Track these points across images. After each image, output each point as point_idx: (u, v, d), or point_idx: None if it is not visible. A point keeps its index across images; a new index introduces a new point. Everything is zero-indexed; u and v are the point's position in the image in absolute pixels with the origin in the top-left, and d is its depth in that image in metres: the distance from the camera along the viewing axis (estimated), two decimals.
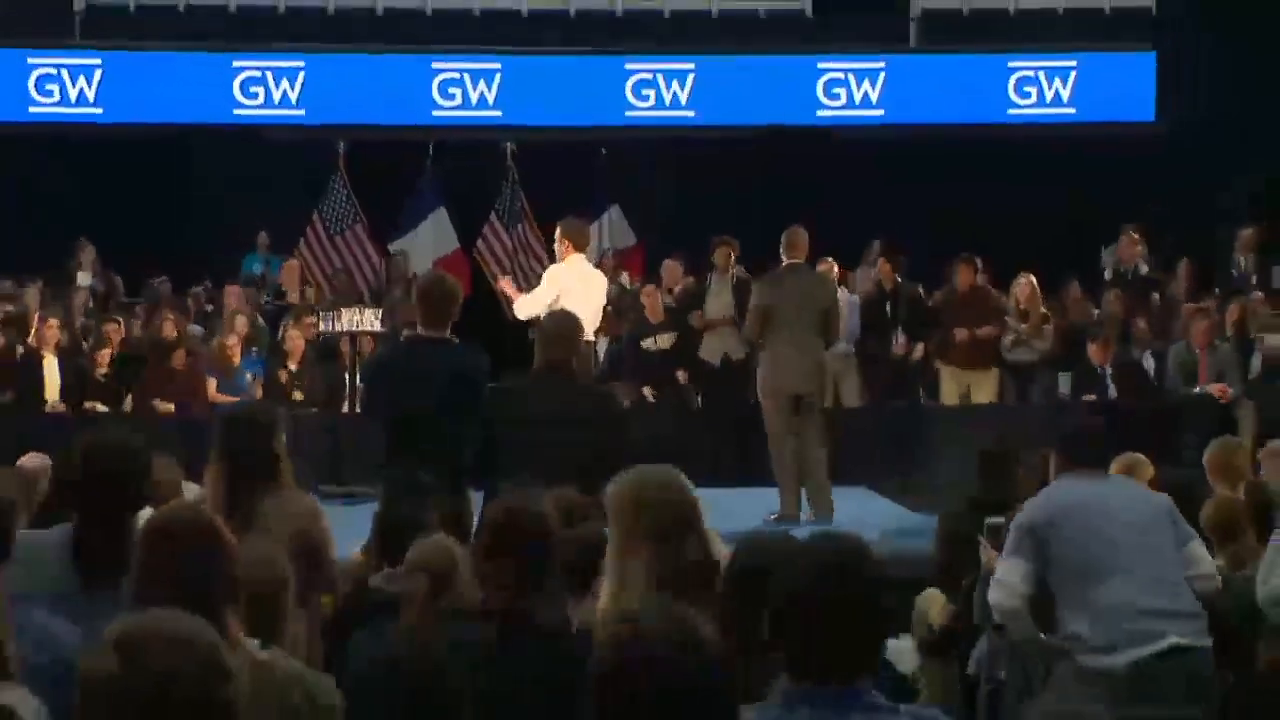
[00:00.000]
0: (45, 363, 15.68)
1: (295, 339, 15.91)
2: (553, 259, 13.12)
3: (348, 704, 4.13)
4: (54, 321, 15.93)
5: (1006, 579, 6.63)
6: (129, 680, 3.00)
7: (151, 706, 2.98)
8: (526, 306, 12.05)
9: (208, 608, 3.97)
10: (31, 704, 3.98)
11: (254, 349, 16.59)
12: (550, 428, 7.87)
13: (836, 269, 15.85)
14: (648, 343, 15.47)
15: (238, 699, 3.08)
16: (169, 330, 16.05)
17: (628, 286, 17.88)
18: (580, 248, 12.36)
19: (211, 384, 15.41)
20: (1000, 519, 7.36)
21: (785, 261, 13.27)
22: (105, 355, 15.89)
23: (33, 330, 15.92)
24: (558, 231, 12.59)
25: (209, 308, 18.15)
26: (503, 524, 4.75)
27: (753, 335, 13.17)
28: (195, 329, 17.23)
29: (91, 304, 17.84)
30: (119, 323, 16.49)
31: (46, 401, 15.56)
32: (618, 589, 4.86)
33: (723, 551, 5.01)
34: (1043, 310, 14.69)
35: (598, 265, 16.33)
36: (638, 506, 4.95)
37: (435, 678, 3.80)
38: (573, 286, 11.37)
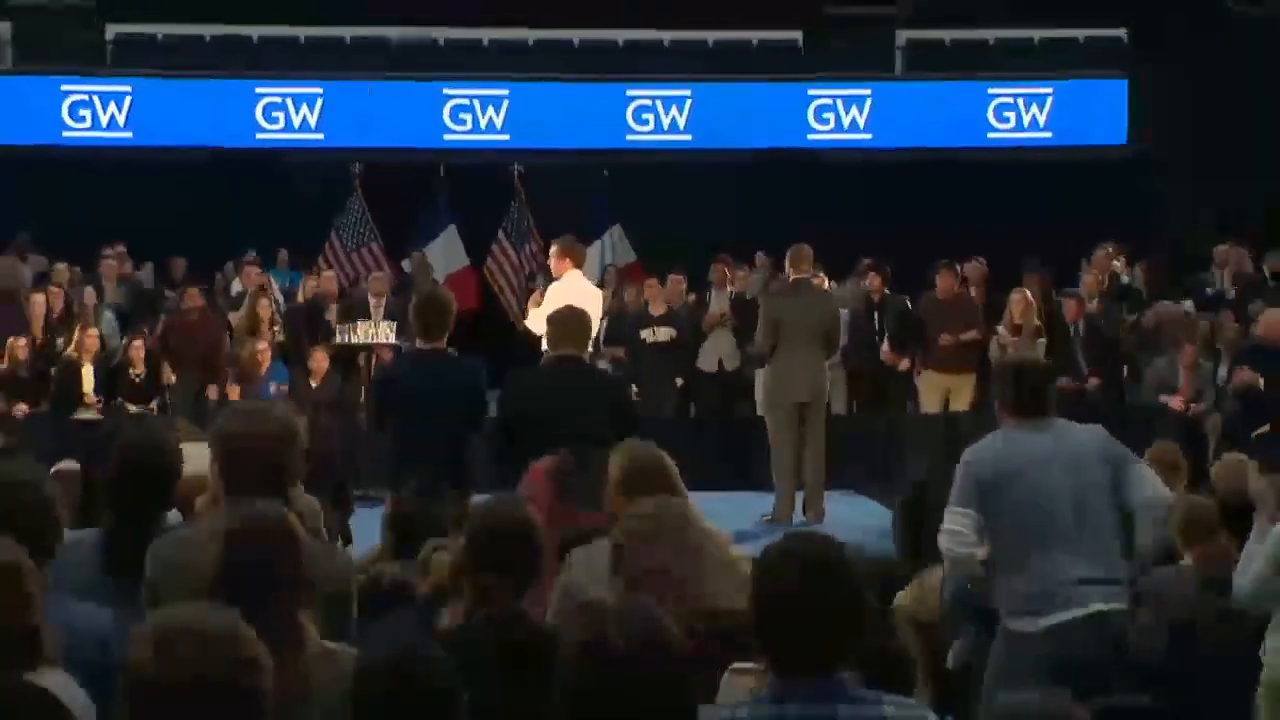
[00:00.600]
0: (83, 370, 15.50)
1: (320, 360, 15.58)
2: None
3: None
4: (93, 332, 15.79)
5: (956, 527, 6.52)
6: (166, 671, 3.00)
7: (187, 696, 2.99)
8: (534, 322, 12.02)
9: (283, 604, 3.99)
10: (71, 688, 3.98)
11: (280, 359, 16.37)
12: (566, 416, 7.84)
13: (828, 282, 15.84)
14: (646, 333, 15.41)
15: (268, 688, 3.07)
16: (193, 298, 16.05)
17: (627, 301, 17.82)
18: (577, 264, 12.35)
19: (235, 391, 15.10)
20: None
21: (792, 277, 13.39)
22: (139, 351, 15.72)
23: (72, 341, 15.68)
24: (554, 249, 12.58)
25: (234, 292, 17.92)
26: (489, 530, 4.71)
27: (765, 346, 13.20)
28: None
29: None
30: (143, 335, 16.31)
31: (82, 405, 15.40)
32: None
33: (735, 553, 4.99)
34: (1036, 324, 14.63)
35: (599, 282, 16.40)
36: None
37: (431, 679, 3.76)
38: (566, 296, 11.31)
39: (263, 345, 15.75)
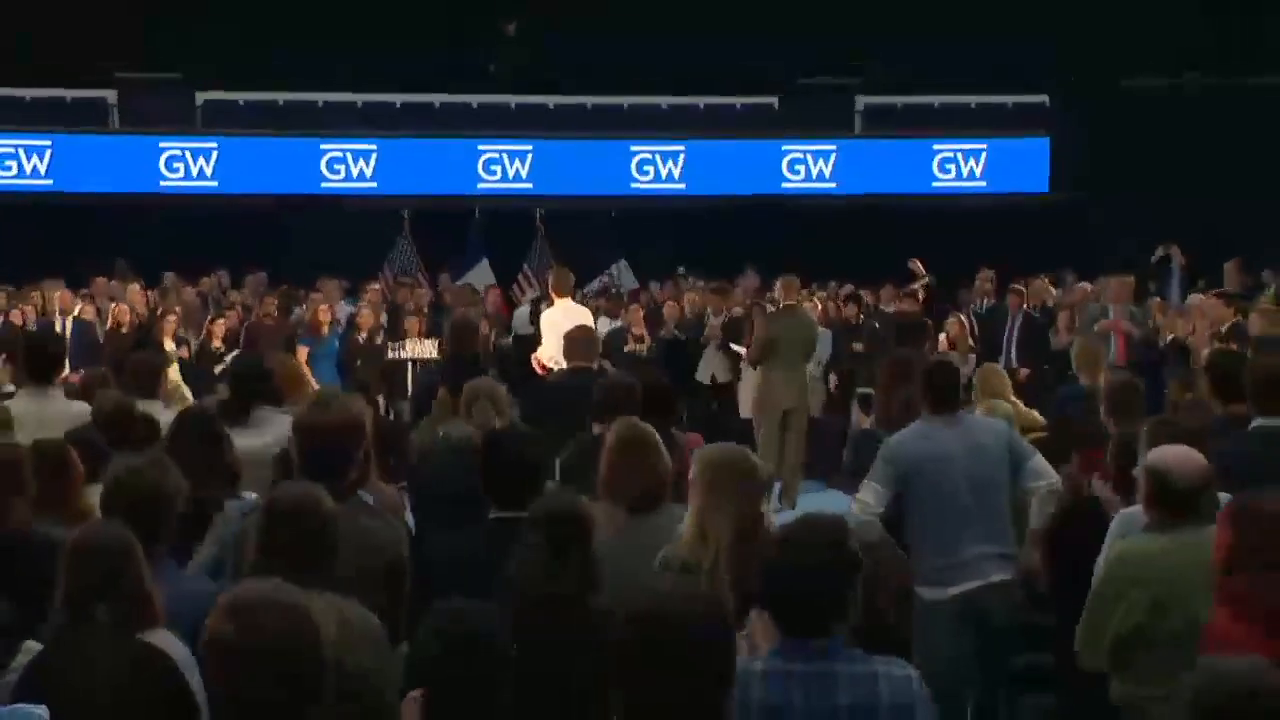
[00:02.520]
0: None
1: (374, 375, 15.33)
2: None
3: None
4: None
5: (865, 499, 6.54)
6: (240, 638, 2.95)
7: (258, 659, 2.93)
8: (546, 352, 11.92)
9: (324, 575, 3.92)
10: (178, 646, 3.94)
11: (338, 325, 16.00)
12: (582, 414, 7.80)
13: (820, 308, 15.84)
14: (629, 347, 15.33)
15: (328, 650, 3.02)
16: (269, 304, 15.90)
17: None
18: (564, 293, 12.26)
19: (303, 351, 14.69)
20: (869, 390, 7.41)
21: (782, 304, 13.44)
22: (220, 328, 15.32)
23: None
24: (552, 278, 12.66)
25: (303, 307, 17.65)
26: (545, 520, 4.60)
27: (758, 359, 13.18)
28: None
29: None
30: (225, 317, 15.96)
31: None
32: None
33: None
34: (970, 343, 14.59)
35: (608, 304, 16.38)
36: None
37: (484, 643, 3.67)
38: (560, 321, 11.27)
39: (325, 307, 15.56)
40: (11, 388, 8.35)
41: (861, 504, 6.53)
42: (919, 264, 15.99)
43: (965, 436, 6.63)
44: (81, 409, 7.03)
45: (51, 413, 6.80)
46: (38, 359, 7.33)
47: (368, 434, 4.99)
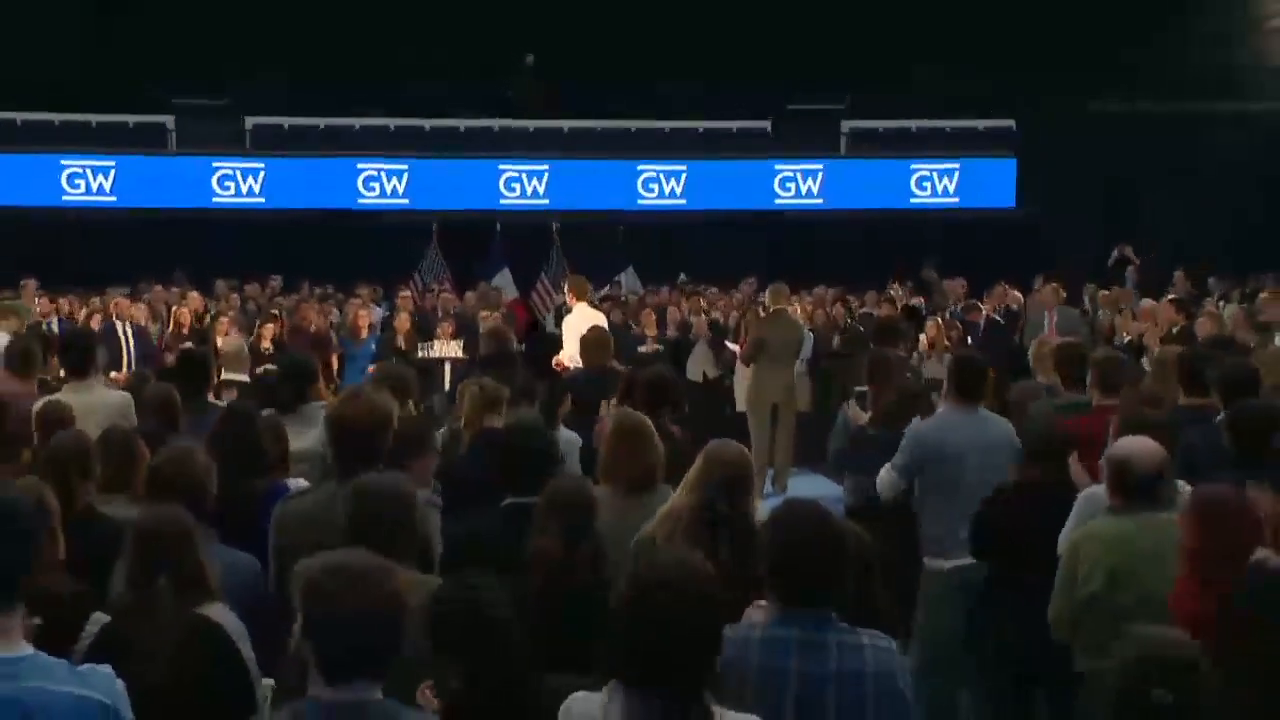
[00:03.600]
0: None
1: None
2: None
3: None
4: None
5: (889, 477, 6.70)
6: (334, 599, 2.93)
7: (358, 620, 2.91)
8: (566, 352, 11.90)
9: (397, 549, 3.89)
10: (228, 616, 3.93)
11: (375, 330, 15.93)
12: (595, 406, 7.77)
13: (809, 309, 15.82)
14: (642, 347, 15.30)
15: (406, 611, 3.03)
16: (309, 307, 15.81)
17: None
18: (582, 298, 12.41)
19: (335, 357, 14.56)
20: (865, 388, 7.47)
21: (772, 308, 13.40)
22: (269, 331, 14.99)
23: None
24: (565, 286, 12.67)
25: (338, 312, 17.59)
26: (566, 499, 4.58)
27: (750, 359, 13.18)
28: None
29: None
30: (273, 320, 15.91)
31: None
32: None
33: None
34: (945, 343, 14.53)
35: (616, 308, 16.34)
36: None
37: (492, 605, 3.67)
38: (578, 325, 11.27)
39: (363, 312, 15.53)
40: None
41: (885, 482, 6.73)
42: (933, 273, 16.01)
43: (981, 428, 6.63)
44: (120, 398, 7.15)
45: (93, 402, 6.89)
46: (72, 354, 7.39)
47: (393, 425, 5.00)
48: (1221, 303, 15.06)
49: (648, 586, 3.07)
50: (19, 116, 20.89)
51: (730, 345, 14.87)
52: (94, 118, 21.12)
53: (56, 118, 21.03)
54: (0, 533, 2.84)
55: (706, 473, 4.72)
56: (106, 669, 2.95)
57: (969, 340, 14.58)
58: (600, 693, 3.08)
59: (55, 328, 13.62)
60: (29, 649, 2.87)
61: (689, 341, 15.54)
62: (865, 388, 8.00)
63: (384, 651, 2.93)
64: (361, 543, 3.50)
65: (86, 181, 21.08)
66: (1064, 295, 14.90)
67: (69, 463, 4.95)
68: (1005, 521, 5.85)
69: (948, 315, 15.85)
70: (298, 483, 5.60)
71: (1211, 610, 4.26)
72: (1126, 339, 12.81)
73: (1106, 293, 16.21)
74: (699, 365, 15.18)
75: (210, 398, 7.43)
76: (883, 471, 6.76)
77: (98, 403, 6.93)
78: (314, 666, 2.93)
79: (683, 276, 19.52)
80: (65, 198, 21.01)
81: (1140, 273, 18.26)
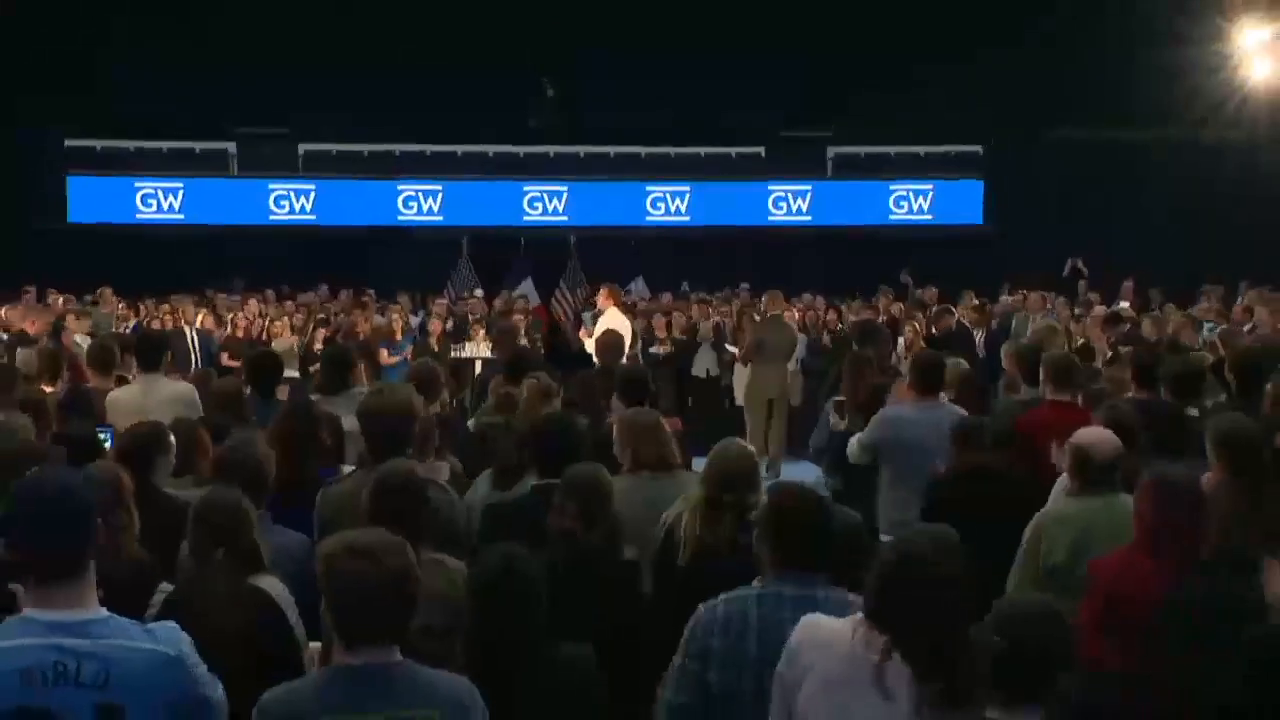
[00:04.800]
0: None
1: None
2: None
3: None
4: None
5: (855, 448, 6.86)
6: (351, 570, 2.95)
7: (370, 589, 2.93)
8: (591, 344, 11.90)
9: (416, 530, 3.88)
10: (278, 586, 3.92)
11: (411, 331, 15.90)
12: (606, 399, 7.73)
13: (798, 314, 15.77)
14: (655, 349, 15.26)
15: (419, 579, 3.05)
16: (354, 318, 15.79)
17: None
18: (615, 303, 12.41)
19: (384, 353, 14.61)
20: (841, 398, 7.73)
21: (769, 313, 13.45)
22: (322, 334, 14.98)
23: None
24: (601, 292, 12.66)
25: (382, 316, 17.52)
26: (582, 483, 4.55)
27: (747, 358, 13.21)
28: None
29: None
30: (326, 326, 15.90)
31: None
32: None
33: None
34: (921, 345, 14.48)
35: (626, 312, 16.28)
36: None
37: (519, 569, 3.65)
38: (609, 325, 11.30)
39: (400, 316, 15.50)
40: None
41: (854, 451, 6.87)
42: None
43: (936, 417, 6.59)
44: (186, 389, 7.25)
45: (161, 394, 7.02)
46: (145, 353, 7.51)
47: (419, 417, 5.00)
48: (1165, 308, 14.98)
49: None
50: (98, 144, 20.95)
51: (729, 347, 14.83)
52: (165, 144, 21.16)
53: (132, 144, 21.08)
54: (61, 511, 2.82)
55: (713, 469, 4.72)
56: (172, 624, 2.95)
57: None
58: (843, 621, 3.10)
59: (130, 329, 13.68)
60: (103, 611, 2.87)
61: (694, 343, 15.50)
62: (842, 397, 7.96)
63: (395, 618, 2.93)
64: (380, 523, 3.50)
65: (158, 201, 21.14)
66: (1047, 303, 14.91)
67: (146, 448, 4.97)
68: (950, 496, 5.79)
69: (922, 318, 15.82)
70: (348, 467, 5.59)
71: (1156, 586, 4.20)
72: (1079, 342, 12.76)
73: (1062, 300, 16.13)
74: (703, 364, 15.15)
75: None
76: (852, 441, 6.89)
77: (166, 394, 7.05)
78: (334, 633, 2.92)
79: (685, 285, 19.50)
80: (139, 215, 21.09)
81: (1089, 283, 18.21)
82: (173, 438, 5.11)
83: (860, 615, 3.10)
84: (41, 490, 2.88)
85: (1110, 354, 10.24)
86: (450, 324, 16.13)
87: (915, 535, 3.27)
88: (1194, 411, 6.54)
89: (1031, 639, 3.03)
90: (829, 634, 3.12)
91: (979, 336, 14.84)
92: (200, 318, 15.01)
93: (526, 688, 3.39)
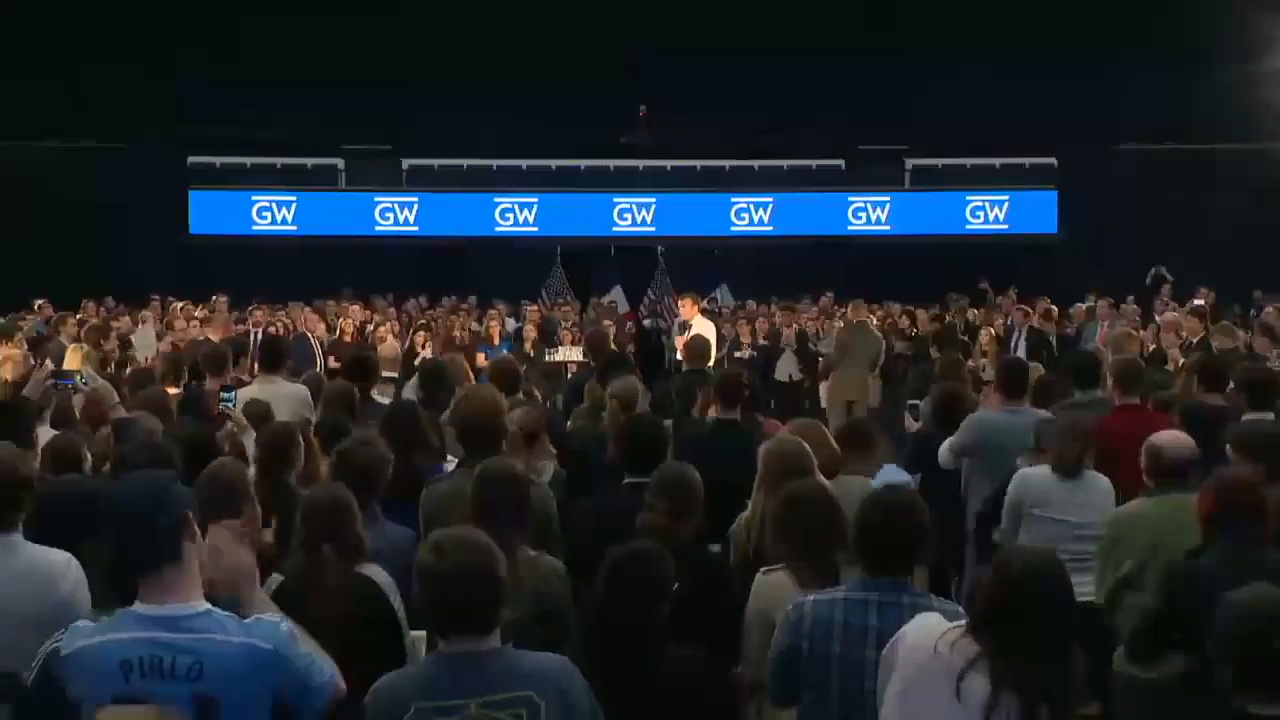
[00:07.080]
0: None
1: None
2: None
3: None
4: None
5: (946, 455, 6.79)
6: (442, 564, 2.97)
7: (456, 583, 2.95)
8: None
9: (512, 526, 3.91)
10: (383, 575, 3.96)
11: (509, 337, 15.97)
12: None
13: (876, 321, 15.63)
14: (740, 353, 15.21)
15: (505, 578, 3.05)
16: (454, 323, 15.85)
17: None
18: (700, 310, 12.50)
19: (481, 356, 14.67)
20: (919, 401, 7.69)
21: (854, 320, 13.53)
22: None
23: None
24: (686, 301, 12.72)
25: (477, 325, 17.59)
26: (672, 481, 4.52)
27: (834, 363, 13.23)
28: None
29: None
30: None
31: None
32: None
33: None
34: (997, 348, 14.18)
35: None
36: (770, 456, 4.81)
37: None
38: (700, 331, 11.32)
39: (497, 322, 15.57)
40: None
41: (943, 457, 6.80)
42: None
43: (1021, 421, 6.56)
44: (301, 389, 7.47)
45: (278, 394, 7.22)
46: (268, 355, 7.81)
47: (503, 414, 5.05)
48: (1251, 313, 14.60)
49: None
50: (217, 160, 21.36)
51: (814, 348, 14.75)
52: (279, 160, 21.51)
53: (249, 160, 21.47)
54: (147, 512, 2.87)
55: (765, 467, 4.72)
56: (270, 619, 2.97)
57: (1014, 345, 14.34)
58: (950, 626, 3.03)
59: (258, 335, 13.89)
60: (204, 605, 2.91)
61: (778, 349, 15.43)
62: (917, 400, 7.91)
63: (482, 611, 2.94)
64: (483, 518, 3.51)
65: (273, 214, 21.50)
66: (1115, 309, 14.65)
67: (282, 448, 5.11)
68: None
69: (1001, 325, 15.57)
70: (450, 465, 5.62)
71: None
72: (1151, 349, 12.46)
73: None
74: (785, 369, 15.08)
75: (374, 394, 7.55)
76: (943, 446, 6.83)
77: (282, 394, 7.25)
78: (429, 624, 2.94)
79: (716, 293, 19.45)
80: (254, 227, 21.44)
81: (1175, 290, 17.77)
82: (300, 437, 5.20)
83: (958, 624, 3.04)
84: (130, 493, 2.96)
85: (1181, 361, 10.01)
86: (544, 329, 16.21)
87: (1030, 555, 3.16)
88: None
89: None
90: (927, 636, 3.05)
91: (1020, 339, 14.58)
92: (313, 322, 15.21)
93: (646, 679, 3.46)
